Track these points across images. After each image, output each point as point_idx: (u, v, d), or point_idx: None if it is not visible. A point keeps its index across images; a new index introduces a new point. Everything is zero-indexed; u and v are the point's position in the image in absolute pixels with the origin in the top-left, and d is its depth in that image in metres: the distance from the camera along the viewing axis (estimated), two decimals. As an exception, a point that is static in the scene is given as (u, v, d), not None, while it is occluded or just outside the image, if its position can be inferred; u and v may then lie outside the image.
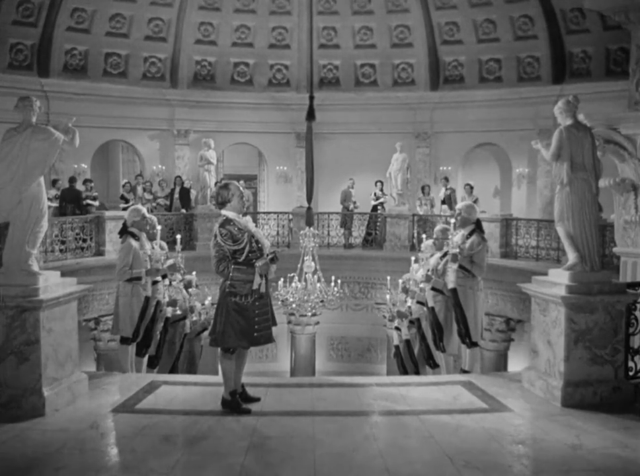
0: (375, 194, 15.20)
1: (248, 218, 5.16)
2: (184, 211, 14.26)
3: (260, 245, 5.01)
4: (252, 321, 4.94)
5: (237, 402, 5.10)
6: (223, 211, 5.03)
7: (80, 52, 14.95)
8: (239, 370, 5.20)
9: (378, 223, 14.78)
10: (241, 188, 5.09)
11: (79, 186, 13.60)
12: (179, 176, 15.08)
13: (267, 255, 5.03)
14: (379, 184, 15.11)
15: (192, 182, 15.20)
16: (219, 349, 5.12)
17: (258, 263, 4.90)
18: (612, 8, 7.77)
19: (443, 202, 14.61)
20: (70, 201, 13.08)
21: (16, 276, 4.96)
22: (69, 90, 14.41)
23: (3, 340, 4.85)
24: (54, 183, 13.32)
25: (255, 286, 4.90)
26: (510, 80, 15.35)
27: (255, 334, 4.96)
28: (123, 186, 14.71)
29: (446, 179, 14.98)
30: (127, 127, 15.56)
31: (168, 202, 14.57)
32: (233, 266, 4.89)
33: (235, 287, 4.90)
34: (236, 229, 4.90)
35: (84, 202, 13.34)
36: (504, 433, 4.63)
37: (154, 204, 14.10)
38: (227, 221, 4.95)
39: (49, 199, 11.94)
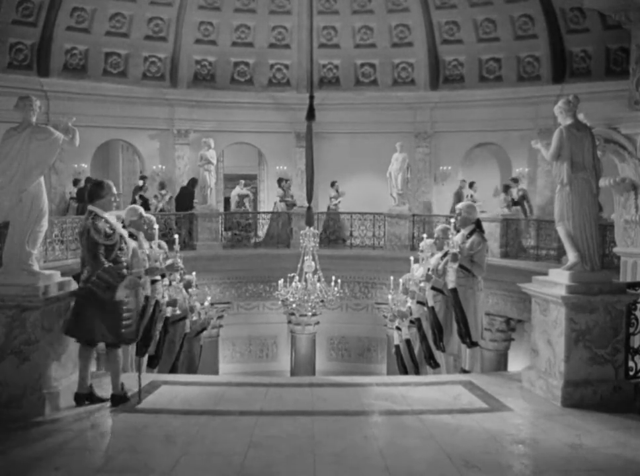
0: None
1: (114, 218, 5.27)
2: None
3: (127, 245, 5.18)
4: (121, 317, 5.02)
5: (126, 395, 5.22)
6: (90, 207, 5.09)
7: (80, 52, 14.94)
8: (87, 368, 5.24)
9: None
10: (114, 189, 5.22)
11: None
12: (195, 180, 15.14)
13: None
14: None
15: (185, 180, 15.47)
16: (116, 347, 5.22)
17: (124, 282, 4.94)
18: (612, 7, 7.75)
19: (515, 203, 14.07)
20: (79, 201, 13.49)
21: (17, 275, 4.96)
22: (69, 90, 14.39)
23: (3, 340, 4.85)
24: (75, 183, 14.11)
25: (118, 297, 4.93)
26: (510, 80, 15.34)
27: (123, 330, 5.05)
28: (140, 187, 14.80)
29: (515, 180, 14.59)
30: (127, 126, 15.55)
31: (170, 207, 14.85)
32: (111, 264, 4.93)
33: (99, 286, 4.93)
34: (108, 225, 5.02)
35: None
36: (504, 433, 4.63)
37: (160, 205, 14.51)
38: (98, 217, 5.03)
39: (72, 198, 12.51)
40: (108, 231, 5.00)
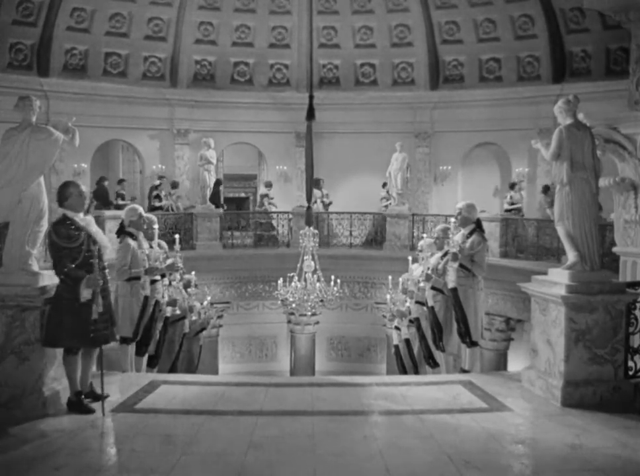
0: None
1: (90, 219, 5.17)
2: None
3: (97, 246, 5.02)
4: (89, 321, 4.86)
5: (80, 402, 5.00)
6: (60, 210, 5.05)
7: (80, 52, 14.93)
8: (85, 370, 5.16)
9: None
10: (81, 188, 5.13)
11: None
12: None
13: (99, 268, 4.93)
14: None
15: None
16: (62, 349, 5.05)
17: (85, 279, 4.79)
18: (612, 7, 7.74)
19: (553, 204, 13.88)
20: (98, 199, 14.09)
21: (16, 275, 4.96)
22: (69, 90, 14.39)
23: (3, 340, 4.85)
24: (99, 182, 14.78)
25: (82, 299, 4.80)
26: (510, 80, 15.35)
27: (92, 334, 4.89)
28: (157, 186, 14.89)
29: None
30: (127, 126, 15.54)
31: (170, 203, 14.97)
32: (72, 266, 4.84)
33: (64, 289, 4.87)
34: (72, 227, 4.93)
35: (115, 201, 14.34)
36: (504, 432, 4.63)
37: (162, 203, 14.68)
38: (64, 219, 4.97)
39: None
40: (71, 233, 4.89)
